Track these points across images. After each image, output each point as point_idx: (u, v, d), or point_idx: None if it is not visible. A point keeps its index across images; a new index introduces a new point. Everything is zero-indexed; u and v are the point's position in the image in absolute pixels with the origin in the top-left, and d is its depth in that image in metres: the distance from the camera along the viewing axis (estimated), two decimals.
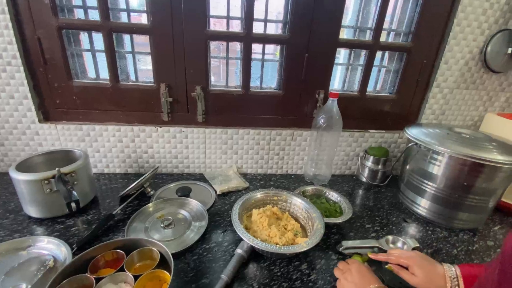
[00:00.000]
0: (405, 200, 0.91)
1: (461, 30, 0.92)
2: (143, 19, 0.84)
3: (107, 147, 0.95)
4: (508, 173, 0.72)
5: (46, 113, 0.90)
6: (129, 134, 0.94)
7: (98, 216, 0.75)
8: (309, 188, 0.88)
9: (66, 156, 0.82)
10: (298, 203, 0.74)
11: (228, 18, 0.87)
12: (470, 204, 0.77)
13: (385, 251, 0.66)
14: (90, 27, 0.82)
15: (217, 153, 1.00)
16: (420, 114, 1.05)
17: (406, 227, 0.81)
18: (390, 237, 0.70)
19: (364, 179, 1.04)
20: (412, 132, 0.85)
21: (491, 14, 0.90)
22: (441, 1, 0.89)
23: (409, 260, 0.55)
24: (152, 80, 0.90)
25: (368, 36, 0.95)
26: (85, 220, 0.73)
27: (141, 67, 0.95)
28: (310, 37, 0.88)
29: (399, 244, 0.69)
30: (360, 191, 0.99)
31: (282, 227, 0.67)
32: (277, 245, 0.59)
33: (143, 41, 0.85)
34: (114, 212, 0.73)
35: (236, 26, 0.90)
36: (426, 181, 0.83)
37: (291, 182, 1.01)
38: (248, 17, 0.84)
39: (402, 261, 0.56)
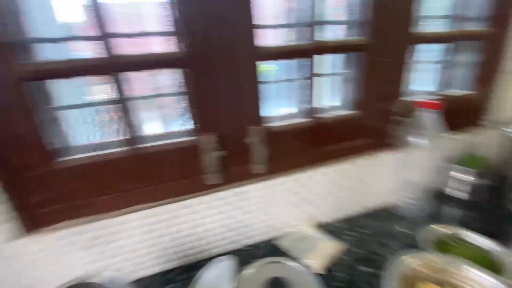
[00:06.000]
0: None
1: None
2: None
3: (129, 247, 0.62)
4: None
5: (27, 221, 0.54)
6: (163, 218, 0.62)
7: None
8: (440, 232, 0.65)
9: None
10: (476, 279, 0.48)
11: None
12: None
13: None
14: (80, 68, 0.50)
15: (286, 209, 0.73)
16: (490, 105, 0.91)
17: None
18: None
19: (464, 197, 0.84)
20: None
21: None
22: None
23: None
24: (190, 132, 0.60)
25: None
26: None
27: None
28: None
29: None
30: (473, 215, 0.78)
31: None
32: None
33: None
34: None
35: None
36: None
37: (382, 221, 0.78)
38: None
39: None
